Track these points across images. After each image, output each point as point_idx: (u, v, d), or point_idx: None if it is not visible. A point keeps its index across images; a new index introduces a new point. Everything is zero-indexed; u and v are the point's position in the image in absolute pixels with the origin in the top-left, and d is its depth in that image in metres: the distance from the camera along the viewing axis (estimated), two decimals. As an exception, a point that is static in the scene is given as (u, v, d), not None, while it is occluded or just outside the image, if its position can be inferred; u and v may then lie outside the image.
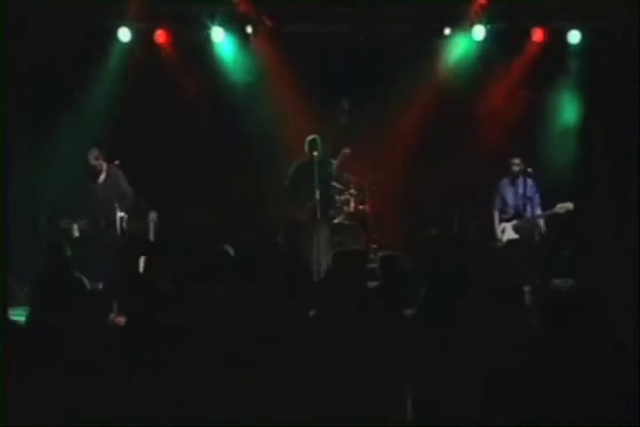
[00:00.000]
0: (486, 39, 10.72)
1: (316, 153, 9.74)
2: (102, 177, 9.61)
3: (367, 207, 10.65)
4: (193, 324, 4.65)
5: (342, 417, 4.11)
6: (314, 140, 9.74)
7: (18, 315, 5.26)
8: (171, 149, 10.91)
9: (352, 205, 10.56)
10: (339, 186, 10.62)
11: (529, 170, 9.42)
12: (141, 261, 7.07)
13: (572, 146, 10.65)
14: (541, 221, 9.48)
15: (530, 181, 9.51)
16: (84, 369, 4.17)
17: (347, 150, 9.80)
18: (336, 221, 10.40)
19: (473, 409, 4.12)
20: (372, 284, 6.04)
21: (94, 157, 9.55)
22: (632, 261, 7.80)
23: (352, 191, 10.59)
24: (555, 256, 9.43)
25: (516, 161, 9.56)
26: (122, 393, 4.13)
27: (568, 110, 10.79)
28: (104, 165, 9.61)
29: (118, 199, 9.56)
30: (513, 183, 9.59)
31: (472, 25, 10.64)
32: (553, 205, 9.46)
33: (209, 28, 10.77)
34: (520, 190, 9.48)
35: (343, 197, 10.56)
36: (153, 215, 9.37)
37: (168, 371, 4.30)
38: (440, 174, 10.87)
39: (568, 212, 9.31)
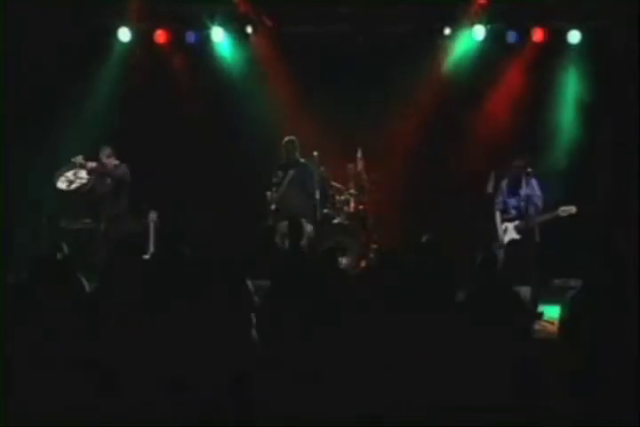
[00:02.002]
0: (486, 39, 10.73)
1: (315, 153, 9.86)
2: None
3: (367, 207, 10.64)
4: (198, 325, 4.64)
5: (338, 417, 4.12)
6: (291, 141, 9.78)
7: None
8: (170, 149, 10.91)
9: (352, 205, 10.54)
10: (339, 186, 10.62)
11: (529, 170, 9.39)
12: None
13: (573, 146, 10.65)
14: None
15: (533, 182, 9.46)
16: (84, 369, 4.17)
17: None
18: (336, 221, 10.40)
19: (473, 408, 4.12)
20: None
21: (106, 156, 9.54)
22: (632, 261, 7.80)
23: (352, 191, 10.58)
24: (556, 256, 9.39)
25: (519, 161, 9.49)
26: (122, 394, 4.13)
27: (568, 110, 10.79)
28: (115, 164, 9.58)
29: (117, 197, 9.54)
30: (515, 183, 9.53)
31: (472, 25, 10.64)
32: (555, 207, 9.37)
33: (209, 28, 10.78)
34: (522, 191, 9.43)
35: (343, 197, 10.54)
36: (153, 215, 9.35)
37: (171, 373, 4.30)
38: (440, 174, 10.88)
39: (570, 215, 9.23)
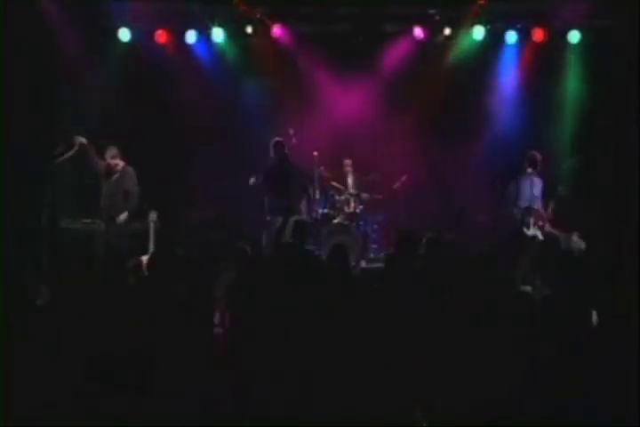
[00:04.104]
0: (486, 39, 10.75)
1: (315, 153, 9.88)
2: (116, 176, 9.57)
3: (367, 207, 10.65)
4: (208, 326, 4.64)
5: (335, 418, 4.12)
6: (278, 142, 9.76)
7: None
8: (170, 149, 10.92)
9: (352, 205, 10.55)
10: (339, 186, 10.63)
11: (529, 170, 9.46)
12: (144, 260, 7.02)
13: (572, 144, 10.68)
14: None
15: (537, 179, 9.57)
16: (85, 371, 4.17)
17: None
18: (336, 221, 10.40)
19: (475, 409, 4.13)
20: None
21: (110, 156, 9.52)
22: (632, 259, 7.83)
23: (352, 191, 10.59)
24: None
25: (532, 155, 9.57)
26: (124, 393, 4.13)
27: (568, 110, 10.80)
28: (120, 165, 9.57)
29: (123, 198, 9.52)
30: (525, 180, 9.60)
31: (472, 25, 10.67)
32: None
33: (209, 28, 10.79)
34: (530, 188, 9.56)
35: (343, 197, 10.55)
36: (153, 215, 9.34)
37: (176, 374, 4.30)
38: (440, 174, 10.90)
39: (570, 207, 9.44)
